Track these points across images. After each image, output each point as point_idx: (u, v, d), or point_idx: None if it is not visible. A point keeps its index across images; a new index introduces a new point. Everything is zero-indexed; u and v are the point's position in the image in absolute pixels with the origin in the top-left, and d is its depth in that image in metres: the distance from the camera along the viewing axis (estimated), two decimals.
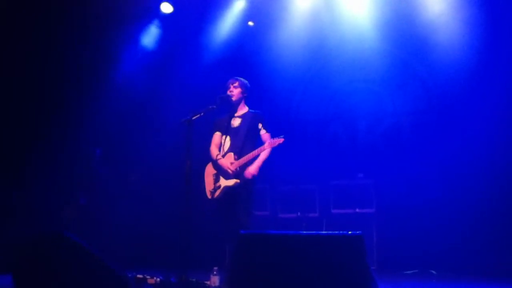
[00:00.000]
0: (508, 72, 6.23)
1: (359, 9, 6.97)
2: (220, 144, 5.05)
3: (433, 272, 6.08)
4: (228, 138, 4.98)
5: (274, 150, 4.81)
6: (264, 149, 4.75)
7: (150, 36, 7.65)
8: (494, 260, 5.87)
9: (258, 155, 4.81)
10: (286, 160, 6.77)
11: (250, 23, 7.54)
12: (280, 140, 4.67)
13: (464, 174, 6.33)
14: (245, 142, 4.89)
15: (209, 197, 4.95)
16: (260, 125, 4.95)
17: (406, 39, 6.84)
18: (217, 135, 5.12)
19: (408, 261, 6.26)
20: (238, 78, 5.07)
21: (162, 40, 7.69)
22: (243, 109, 5.08)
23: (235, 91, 5.00)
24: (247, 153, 4.81)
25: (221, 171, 4.91)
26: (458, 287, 5.10)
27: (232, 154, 4.90)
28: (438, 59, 6.68)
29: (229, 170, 4.82)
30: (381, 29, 6.93)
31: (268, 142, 4.74)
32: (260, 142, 4.90)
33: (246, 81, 5.09)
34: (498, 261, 5.84)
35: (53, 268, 3.60)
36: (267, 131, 4.94)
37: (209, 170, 5.06)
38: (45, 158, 6.90)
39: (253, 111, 5.08)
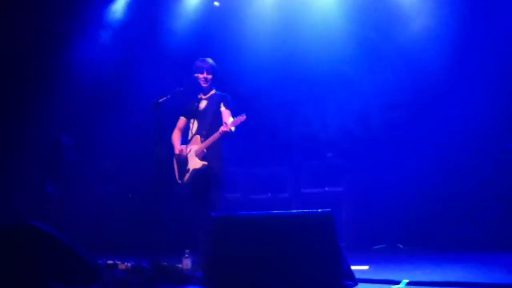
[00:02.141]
0: (481, 56, 6.33)
1: None
2: (184, 128, 5.06)
3: (400, 246, 6.26)
4: (195, 121, 4.96)
5: (245, 132, 4.79)
6: (226, 129, 4.61)
7: (116, 13, 7.46)
8: (457, 234, 6.08)
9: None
10: (256, 142, 6.78)
11: (216, 4, 7.44)
12: (242, 118, 4.59)
13: (429, 152, 6.48)
14: (211, 124, 4.85)
15: (179, 181, 4.94)
16: (221, 104, 4.91)
17: (376, 20, 6.86)
18: (181, 119, 5.12)
19: (377, 237, 6.42)
20: (209, 61, 5.00)
21: (126, 22, 7.51)
22: (210, 92, 5.05)
23: (209, 77, 4.95)
24: (213, 134, 4.76)
25: (189, 155, 4.89)
26: (424, 260, 5.26)
27: (199, 136, 4.88)
28: (408, 41, 6.73)
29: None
30: (350, 11, 6.93)
31: (231, 121, 4.64)
32: None
33: (214, 63, 5.04)
34: (461, 235, 6.05)
35: (23, 259, 3.54)
36: (227, 108, 4.87)
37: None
38: (9, 148, 6.74)
39: (219, 93, 5.06)
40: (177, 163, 4.98)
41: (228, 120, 4.73)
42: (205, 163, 4.79)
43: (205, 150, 4.80)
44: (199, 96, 5.05)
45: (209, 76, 4.96)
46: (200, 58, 5.03)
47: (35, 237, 3.63)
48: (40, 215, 6.30)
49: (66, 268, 3.65)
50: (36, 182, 6.89)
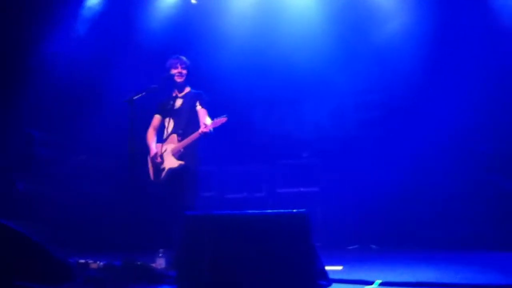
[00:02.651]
0: (457, 55, 6.40)
1: None
2: (159, 127, 5.02)
3: (374, 246, 6.32)
4: (171, 119, 4.92)
5: (221, 131, 4.77)
6: (206, 130, 4.62)
7: (91, 8, 7.34)
8: (430, 234, 6.17)
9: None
10: (232, 141, 6.75)
11: (193, 1, 7.38)
12: (223, 120, 4.60)
13: (404, 152, 6.55)
14: (188, 122, 4.84)
15: (154, 179, 4.89)
16: (197, 103, 4.88)
17: (351, 17, 6.90)
18: (156, 117, 5.07)
19: (351, 237, 6.47)
20: (183, 58, 4.98)
21: (102, 17, 7.38)
22: (185, 90, 5.03)
23: (184, 72, 4.93)
24: (190, 133, 4.75)
25: (165, 154, 4.84)
26: (397, 260, 5.32)
27: (175, 135, 4.85)
28: (383, 40, 6.80)
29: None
30: (327, 10, 6.95)
31: (212, 122, 4.66)
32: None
33: (188, 61, 5.01)
34: (433, 235, 6.15)
35: None
36: (203, 107, 4.86)
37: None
38: None
39: (194, 91, 5.03)
40: (152, 162, 4.92)
41: (207, 120, 4.73)
42: (182, 162, 4.77)
43: (182, 150, 4.76)
44: (173, 94, 5.01)
45: (184, 71, 4.93)
46: (173, 56, 5.00)
47: (2, 235, 3.53)
48: (9, 212, 6.14)
49: (36, 266, 3.57)
50: (4, 177, 6.71)
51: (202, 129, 4.64)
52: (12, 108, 7.00)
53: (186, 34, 7.28)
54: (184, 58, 4.98)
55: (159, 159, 4.84)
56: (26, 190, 6.66)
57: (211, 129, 4.63)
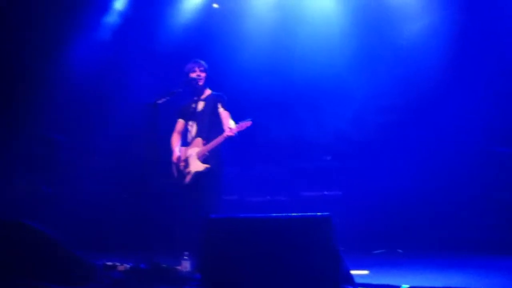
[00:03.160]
0: (476, 60, 6.34)
1: None
2: (183, 130, 5.05)
3: (400, 251, 6.22)
4: (194, 123, 4.95)
5: (243, 134, 4.77)
6: (231, 134, 4.64)
7: (113, 13, 7.45)
8: (458, 238, 6.05)
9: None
10: (254, 144, 6.75)
11: (215, 5, 7.42)
12: (248, 123, 4.63)
13: (428, 156, 6.47)
14: (210, 125, 4.87)
15: (179, 182, 4.91)
16: (219, 105, 4.91)
17: (372, 23, 6.87)
18: (180, 122, 5.11)
19: (377, 241, 6.38)
20: (201, 62, 5.03)
21: (124, 23, 7.48)
22: (206, 92, 5.06)
23: (202, 75, 4.96)
24: (214, 137, 4.78)
25: (190, 157, 4.87)
26: (424, 264, 5.22)
27: (200, 139, 4.88)
28: (403, 44, 6.76)
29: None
30: (347, 14, 6.94)
31: (237, 125, 4.68)
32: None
33: (206, 64, 5.05)
34: (461, 238, 6.02)
35: (14, 258, 3.49)
36: (226, 109, 4.89)
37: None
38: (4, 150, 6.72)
39: (215, 93, 5.05)
40: (175, 165, 4.95)
41: (230, 123, 4.75)
42: (208, 165, 4.79)
43: (207, 153, 4.79)
44: (195, 98, 5.03)
45: (202, 74, 4.97)
46: (192, 60, 5.05)
47: (27, 235, 3.58)
48: (35, 214, 6.25)
49: (59, 267, 3.61)
50: (27, 181, 6.82)
51: (227, 132, 4.67)
52: (33, 112, 7.12)
53: (207, 38, 7.33)
54: (202, 62, 5.02)
55: (182, 163, 4.87)
56: (52, 192, 6.77)
57: (236, 132, 4.65)
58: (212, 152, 4.78)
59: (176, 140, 5.09)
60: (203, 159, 4.80)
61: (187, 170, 4.86)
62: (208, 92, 5.06)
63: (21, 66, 7.10)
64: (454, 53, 6.42)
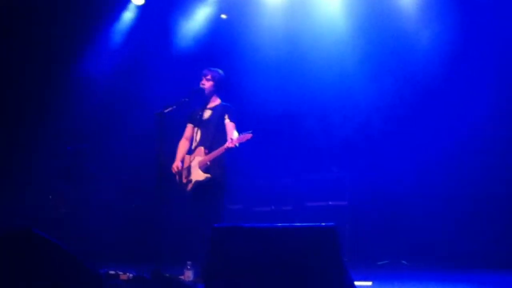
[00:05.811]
0: (481, 66, 6.34)
1: (332, 2, 6.99)
2: (191, 137, 5.04)
3: (404, 262, 6.19)
4: (199, 130, 4.96)
5: (249, 144, 4.77)
6: (232, 145, 4.61)
7: (125, 24, 7.54)
8: (462, 251, 6.01)
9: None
10: (259, 154, 6.76)
11: (223, 16, 7.48)
12: (248, 136, 4.56)
13: (434, 167, 6.44)
14: (215, 135, 4.86)
15: (181, 190, 4.92)
16: (226, 116, 4.90)
17: (378, 33, 6.89)
18: (189, 127, 5.10)
19: (381, 252, 6.35)
20: (212, 69, 5.03)
21: (135, 33, 7.57)
22: (215, 102, 5.05)
23: (207, 84, 4.98)
24: (218, 146, 4.76)
25: (192, 166, 4.88)
26: (428, 277, 5.19)
27: (202, 148, 4.86)
28: (410, 53, 6.76)
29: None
30: (354, 24, 6.96)
31: (237, 137, 4.65)
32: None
33: (220, 72, 5.05)
34: (466, 251, 5.99)
35: (22, 266, 3.51)
36: (231, 120, 4.88)
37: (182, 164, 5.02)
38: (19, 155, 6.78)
39: (224, 103, 5.05)
40: (177, 173, 4.96)
41: (233, 135, 4.73)
42: (208, 175, 4.77)
43: (208, 163, 4.79)
44: (202, 106, 5.05)
45: (208, 83, 4.96)
46: (207, 69, 5.06)
47: (35, 244, 3.60)
48: (56, 223, 6.30)
49: (66, 276, 3.62)
50: (51, 189, 6.85)
51: (228, 143, 4.64)
52: (53, 122, 7.22)
53: (217, 49, 7.38)
54: (214, 70, 5.02)
55: (184, 172, 4.87)
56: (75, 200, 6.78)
57: (237, 144, 4.62)
58: (214, 161, 4.77)
59: (182, 146, 5.06)
60: (204, 168, 4.78)
61: (189, 178, 4.86)
62: (217, 101, 5.05)
63: (34, 76, 7.22)
64: (462, 60, 6.41)
